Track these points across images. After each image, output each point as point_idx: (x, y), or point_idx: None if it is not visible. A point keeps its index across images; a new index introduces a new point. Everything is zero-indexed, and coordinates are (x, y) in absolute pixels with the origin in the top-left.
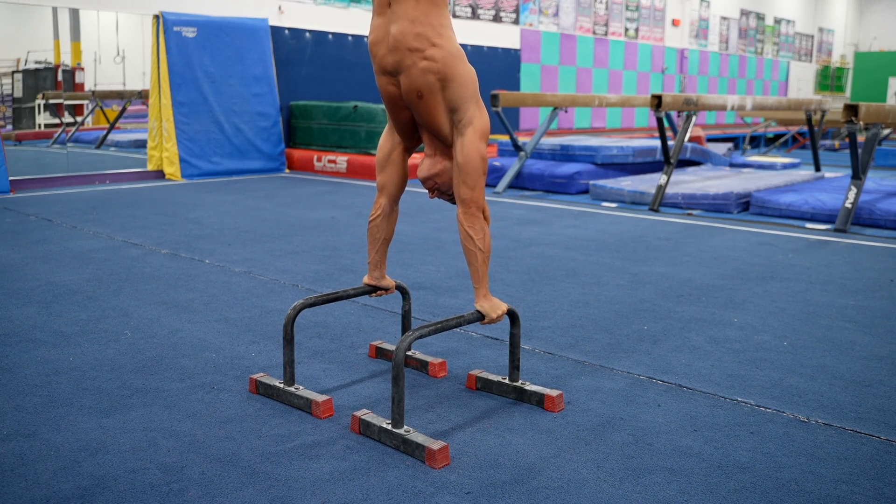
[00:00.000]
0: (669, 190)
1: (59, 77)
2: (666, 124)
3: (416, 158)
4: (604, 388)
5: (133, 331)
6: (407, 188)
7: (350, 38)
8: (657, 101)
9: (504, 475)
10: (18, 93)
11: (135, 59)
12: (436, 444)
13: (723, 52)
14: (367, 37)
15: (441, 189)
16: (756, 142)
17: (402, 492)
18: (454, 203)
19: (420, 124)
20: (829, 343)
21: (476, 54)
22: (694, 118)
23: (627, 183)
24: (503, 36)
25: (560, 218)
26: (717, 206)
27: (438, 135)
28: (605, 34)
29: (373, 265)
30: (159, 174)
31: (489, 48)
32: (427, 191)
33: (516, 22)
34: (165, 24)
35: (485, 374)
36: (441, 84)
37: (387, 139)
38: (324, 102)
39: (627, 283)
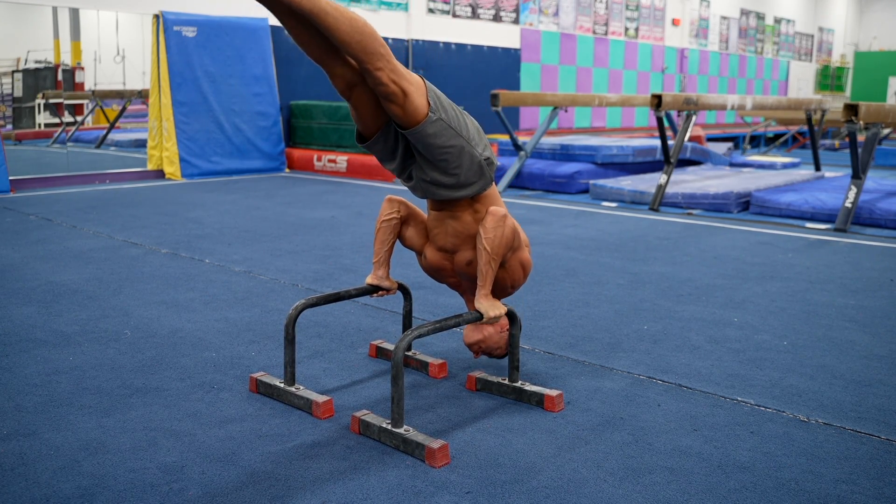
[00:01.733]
0: (669, 189)
1: (59, 76)
2: (666, 124)
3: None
4: (604, 387)
5: (133, 330)
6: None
7: None
8: (657, 101)
9: (504, 475)
10: (18, 92)
11: (135, 58)
12: (436, 443)
13: (723, 51)
14: None
15: (486, 352)
16: (756, 141)
17: (402, 491)
18: (501, 358)
19: (464, 288)
20: (829, 343)
21: (476, 54)
22: (694, 118)
23: (627, 182)
24: (503, 35)
25: (560, 217)
26: (717, 205)
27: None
28: (605, 34)
29: (378, 264)
30: (159, 174)
31: (489, 48)
32: (472, 353)
33: (516, 21)
34: (165, 24)
35: (484, 375)
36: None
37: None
38: (324, 102)
39: (627, 282)
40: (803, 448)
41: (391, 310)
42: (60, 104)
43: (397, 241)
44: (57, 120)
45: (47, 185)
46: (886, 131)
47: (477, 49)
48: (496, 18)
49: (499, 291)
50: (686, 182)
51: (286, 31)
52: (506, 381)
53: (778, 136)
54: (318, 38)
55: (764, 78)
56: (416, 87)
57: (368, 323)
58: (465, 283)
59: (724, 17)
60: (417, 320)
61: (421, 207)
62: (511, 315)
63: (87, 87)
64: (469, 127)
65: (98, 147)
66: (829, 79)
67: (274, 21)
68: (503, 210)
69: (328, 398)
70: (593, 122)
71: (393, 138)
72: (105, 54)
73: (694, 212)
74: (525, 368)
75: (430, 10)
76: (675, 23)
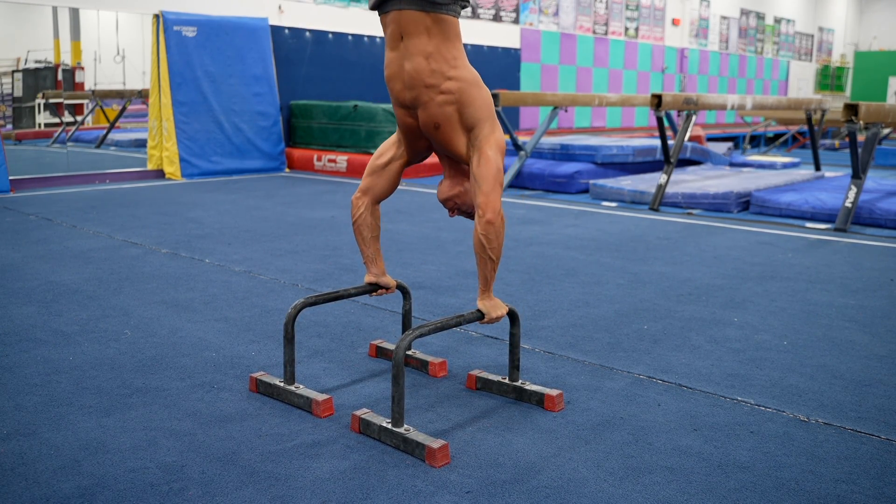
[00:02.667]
0: (669, 189)
1: (59, 76)
2: (666, 124)
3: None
4: (604, 387)
5: (133, 330)
6: (407, 187)
7: (350, 37)
8: (657, 101)
9: (504, 474)
10: (18, 92)
11: (135, 58)
12: (436, 443)
13: (723, 51)
14: (367, 36)
15: (461, 209)
16: (756, 141)
17: (402, 491)
18: (473, 219)
19: (438, 151)
20: (829, 342)
21: (476, 54)
22: (694, 117)
23: (627, 182)
24: (503, 35)
25: (560, 217)
26: (717, 205)
27: (457, 157)
28: (605, 33)
29: (369, 261)
30: (159, 173)
31: (489, 48)
32: (447, 210)
33: (516, 21)
34: (165, 24)
35: (485, 374)
36: (458, 112)
37: (390, 148)
38: (324, 102)
39: (627, 282)
40: (803, 448)
41: (391, 309)
42: (60, 104)
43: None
44: (57, 120)
45: (47, 185)
46: (886, 131)
47: (477, 49)
48: (496, 18)
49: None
50: (686, 182)
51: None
52: (506, 381)
53: (778, 135)
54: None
55: (764, 78)
56: None
57: (368, 322)
58: (436, 147)
59: (724, 17)
60: (417, 320)
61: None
62: (512, 314)
63: (87, 87)
64: None
65: (98, 147)
66: (829, 79)
67: (274, 21)
68: (498, 210)
69: (328, 397)
70: (593, 122)
71: None
72: (105, 54)
73: (694, 212)
74: (525, 368)
75: None
76: (675, 23)
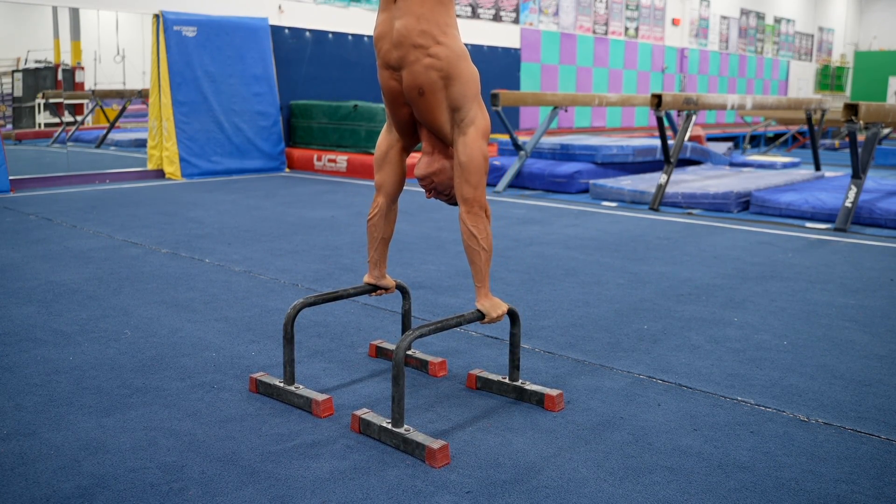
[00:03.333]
0: (669, 189)
1: (59, 76)
2: (666, 123)
3: (414, 158)
4: (604, 387)
5: (133, 330)
6: (407, 187)
7: (350, 37)
8: (657, 101)
9: (504, 474)
10: (18, 92)
11: (135, 58)
12: (436, 443)
13: (723, 51)
14: (367, 36)
15: (438, 189)
16: (756, 141)
17: (402, 491)
18: (451, 203)
19: (420, 121)
20: (829, 342)
21: (476, 54)
22: (694, 117)
23: (627, 182)
24: (503, 35)
25: (560, 217)
26: (717, 205)
27: (438, 133)
28: (605, 33)
29: (372, 263)
30: (159, 173)
31: (489, 47)
32: (424, 191)
33: (516, 21)
34: (165, 24)
35: (485, 374)
36: (444, 82)
37: (385, 137)
38: (324, 102)
39: (627, 282)
40: (803, 448)
41: (391, 309)
42: (60, 104)
43: (392, 237)
44: (57, 120)
45: (47, 184)
46: (886, 131)
47: (477, 49)
48: (496, 18)
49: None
50: (686, 182)
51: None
52: (506, 380)
53: (778, 135)
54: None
55: (764, 78)
56: None
57: (368, 322)
58: (418, 116)
59: (724, 17)
60: (417, 320)
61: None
62: (512, 314)
63: (87, 87)
64: None
65: (98, 147)
66: (829, 78)
67: (274, 21)
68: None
69: (328, 397)
70: (593, 122)
71: None
72: (105, 54)
73: (694, 211)
74: (525, 368)
75: None
76: (675, 22)
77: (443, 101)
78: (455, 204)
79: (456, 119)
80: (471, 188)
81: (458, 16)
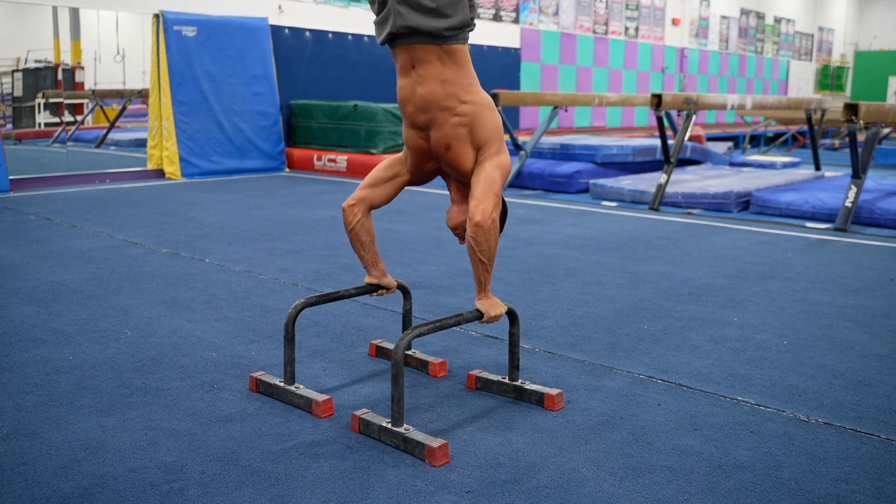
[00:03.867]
0: (669, 189)
1: (59, 76)
2: (666, 123)
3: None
4: (604, 387)
5: (133, 330)
6: (407, 187)
7: (350, 37)
8: (657, 101)
9: (504, 474)
10: (18, 92)
11: (135, 58)
12: (436, 442)
13: (723, 51)
14: (367, 36)
15: None
16: (756, 141)
17: (402, 491)
18: None
19: (447, 173)
20: (828, 342)
21: (476, 53)
22: (694, 117)
23: (627, 182)
24: (503, 35)
25: (560, 217)
26: (717, 205)
27: (465, 179)
28: (605, 33)
29: (370, 265)
30: (159, 173)
31: (489, 47)
32: (457, 237)
33: (516, 21)
34: (165, 24)
35: (484, 374)
36: (470, 132)
37: (395, 165)
38: (324, 101)
39: (627, 282)
40: (803, 448)
41: (391, 309)
42: (60, 104)
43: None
44: (57, 119)
45: (47, 184)
46: (886, 131)
47: (477, 48)
48: (496, 18)
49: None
50: (686, 182)
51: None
52: (506, 380)
53: (778, 135)
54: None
55: (764, 77)
56: None
57: (368, 322)
58: (445, 168)
59: (724, 17)
60: (417, 320)
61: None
62: (511, 313)
63: (87, 87)
64: None
65: (98, 146)
66: (829, 78)
67: (274, 20)
68: (487, 213)
69: (328, 397)
70: (593, 122)
71: None
72: (105, 54)
73: (694, 211)
74: (525, 368)
75: None
76: (675, 22)
77: (469, 149)
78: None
79: (478, 155)
80: (475, 200)
81: None
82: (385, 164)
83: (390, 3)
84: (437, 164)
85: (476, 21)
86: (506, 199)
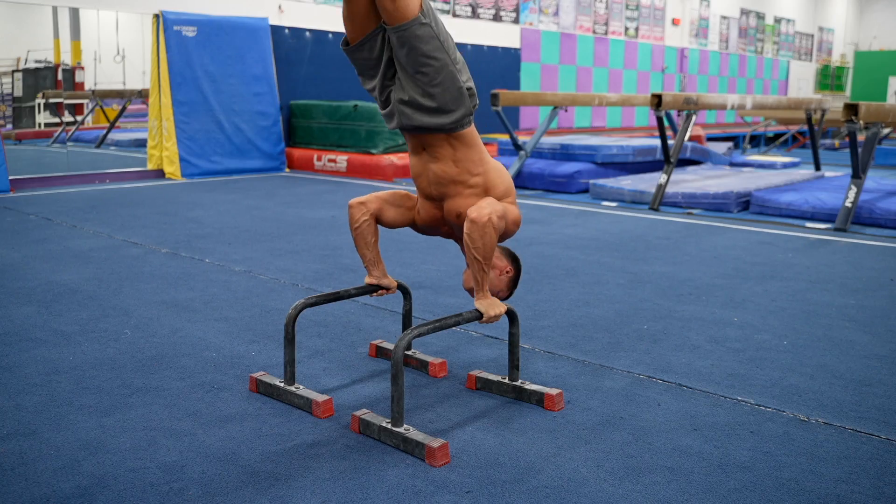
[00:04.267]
0: (669, 189)
1: (59, 76)
2: (666, 123)
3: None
4: (604, 387)
5: (133, 330)
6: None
7: None
8: (657, 101)
9: (504, 474)
10: (18, 92)
11: (135, 58)
12: (435, 442)
13: (723, 51)
14: None
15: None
16: (756, 141)
17: (402, 491)
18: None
19: (459, 237)
20: (829, 342)
21: (476, 54)
22: (694, 117)
23: (627, 182)
24: (503, 35)
25: (560, 217)
26: (717, 205)
27: None
28: (605, 33)
29: (371, 265)
30: (159, 173)
31: (489, 47)
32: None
33: (516, 21)
34: (165, 24)
35: (485, 374)
36: (482, 193)
37: (412, 203)
38: (324, 102)
39: (627, 282)
40: (803, 447)
41: (391, 309)
42: (60, 104)
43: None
44: (57, 119)
45: (47, 184)
46: (886, 131)
47: (477, 49)
48: (496, 18)
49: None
50: (686, 182)
51: None
52: (506, 380)
53: (778, 135)
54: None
55: (764, 77)
56: None
57: (368, 322)
58: (458, 233)
59: (724, 17)
60: (417, 320)
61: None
62: (510, 314)
63: (87, 87)
64: (455, 52)
65: (98, 147)
66: (829, 78)
67: (274, 20)
68: (484, 211)
69: (328, 397)
70: (593, 122)
71: (378, 48)
72: (105, 54)
73: (694, 211)
74: (525, 367)
75: None
76: (675, 22)
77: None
78: (506, 299)
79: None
80: (476, 208)
81: (458, 16)
82: (405, 193)
83: (393, 104)
84: (449, 228)
85: (477, 102)
86: None
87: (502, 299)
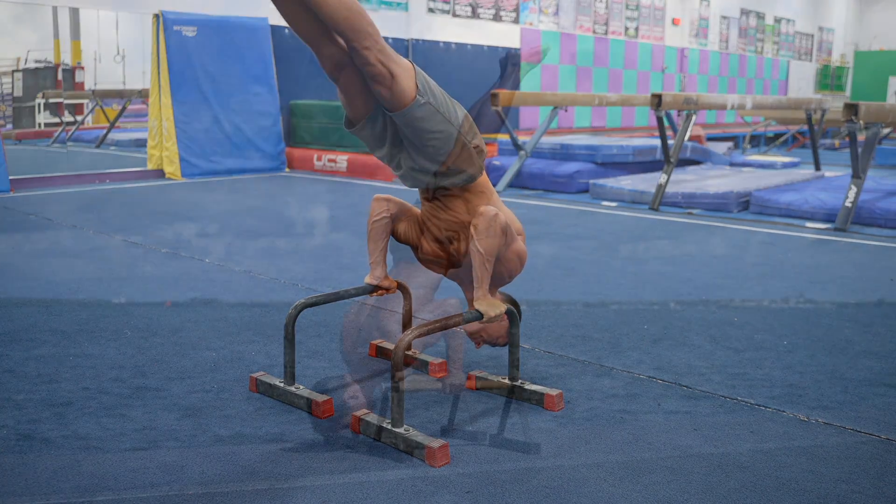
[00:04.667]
0: (669, 189)
1: (59, 76)
2: (666, 123)
3: None
4: (604, 387)
5: (133, 330)
6: (407, 190)
7: None
8: (657, 100)
9: (504, 474)
10: (18, 92)
11: (135, 58)
12: (436, 443)
13: (723, 51)
14: None
15: (488, 340)
16: (756, 141)
17: (402, 491)
18: (503, 346)
19: (462, 278)
20: (828, 342)
21: (476, 53)
22: (694, 117)
23: (627, 182)
24: (503, 35)
25: (560, 217)
26: (717, 205)
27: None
28: (605, 33)
29: (375, 264)
30: (159, 173)
31: (489, 47)
32: (473, 342)
33: (516, 21)
34: (165, 24)
35: (485, 374)
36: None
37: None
38: (324, 101)
39: (627, 282)
40: (803, 447)
41: (391, 309)
42: (60, 104)
43: (391, 238)
44: (57, 119)
45: (47, 184)
46: (886, 131)
47: (477, 49)
48: (496, 18)
49: (496, 282)
50: (686, 182)
51: (276, 6)
52: (506, 381)
53: (778, 135)
54: (307, 15)
55: (764, 77)
56: (405, 70)
57: (368, 322)
58: (462, 274)
59: (724, 17)
60: (417, 320)
61: (411, 198)
62: (511, 314)
63: (87, 87)
64: (458, 114)
65: (98, 147)
66: (829, 78)
67: (274, 20)
68: (493, 209)
69: (328, 397)
70: (593, 122)
71: (381, 124)
72: (105, 54)
73: (694, 211)
74: (525, 367)
75: (430, 10)
76: (675, 22)
77: None
78: (506, 345)
79: None
80: (488, 207)
81: (458, 15)
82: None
83: (405, 168)
84: (453, 269)
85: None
86: (506, 199)
87: (502, 345)
